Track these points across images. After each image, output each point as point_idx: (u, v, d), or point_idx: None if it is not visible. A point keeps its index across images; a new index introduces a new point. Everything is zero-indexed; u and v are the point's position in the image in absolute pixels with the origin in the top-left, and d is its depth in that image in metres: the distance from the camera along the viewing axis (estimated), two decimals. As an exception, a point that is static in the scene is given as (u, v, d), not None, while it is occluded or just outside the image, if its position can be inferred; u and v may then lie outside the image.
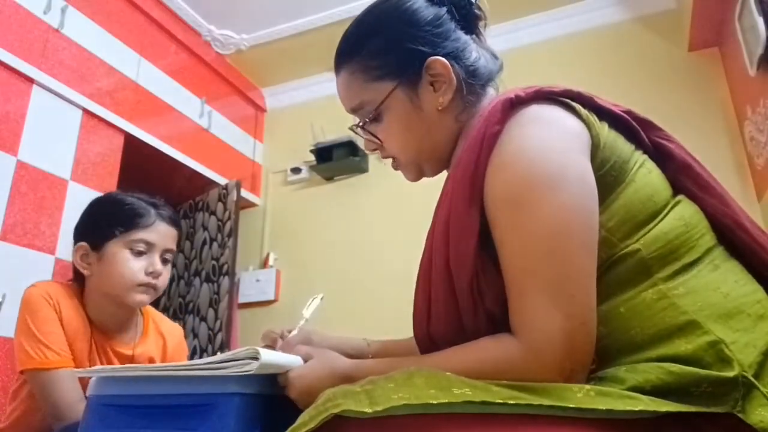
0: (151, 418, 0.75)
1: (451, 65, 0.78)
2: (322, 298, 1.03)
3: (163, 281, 1.23)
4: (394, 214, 2.77)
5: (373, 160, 2.97)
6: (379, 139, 0.84)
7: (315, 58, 3.00)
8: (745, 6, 1.89)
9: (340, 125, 2.98)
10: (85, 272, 1.20)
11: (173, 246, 1.25)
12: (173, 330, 1.38)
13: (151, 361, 1.28)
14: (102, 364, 1.20)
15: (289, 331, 0.93)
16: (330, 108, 3.11)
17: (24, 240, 1.87)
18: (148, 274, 1.19)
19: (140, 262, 1.19)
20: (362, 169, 2.95)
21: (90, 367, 1.15)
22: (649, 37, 2.56)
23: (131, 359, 1.24)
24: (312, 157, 2.99)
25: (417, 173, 0.87)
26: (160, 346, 1.32)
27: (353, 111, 0.85)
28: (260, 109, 3.36)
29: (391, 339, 1.01)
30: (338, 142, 2.89)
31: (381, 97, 0.80)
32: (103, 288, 1.19)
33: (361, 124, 0.84)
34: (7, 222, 1.83)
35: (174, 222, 1.25)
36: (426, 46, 0.78)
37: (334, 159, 2.91)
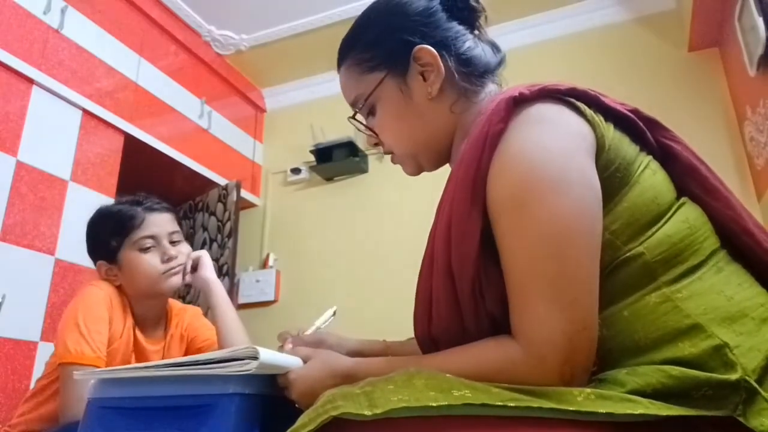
0: (150, 420, 0.75)
1: (441, 54, 0.78)
2: (335, 312, 1.05)
3: (182, 259, 1.30)
4: (394, 215, 2.77)
5: (373, 160, 2.97)
6: (375, 133, 0.84)
7: (315, 58, 3.00)
8: (745, 6, 1.89)
9: (340, 125, 2.98)
10: (116, 283, 1.28)
11: (174, 227, 1.32)
12: (189, 316, 1.43)
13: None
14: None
15: (304, 332, 0.94)
16: (330, 108, 3.12)
17: (24, 240, 1.87)
18: (164, 262, 1.27)
19: (153, 255, 1.26)
20: (362, 169, 2.95)
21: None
22: (649, 37, 2.56)
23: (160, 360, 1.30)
24: (312, 158, 2.99)
25: (415, 167, 0.86)
26: (183, 345, 1.39)
27: (352, 106, 0.86)
28: (260, 109, 3.36)
29: (410, 338, 1.00)
30: (338, 142, 2.89)
31: (371, 88, 0.81)
32: (136, 289, 1.27)
33: (356, 117, 0.85)
34: (7, 222, 1.83)
35: (162, 207, 1.32)
36: (415, 36, 0.78)
37: (334, 159, 2.91)
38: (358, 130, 0.87)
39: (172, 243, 1.30)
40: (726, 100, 2.36)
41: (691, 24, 2.29)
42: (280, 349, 0.89)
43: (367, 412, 0.51)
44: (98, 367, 1.12)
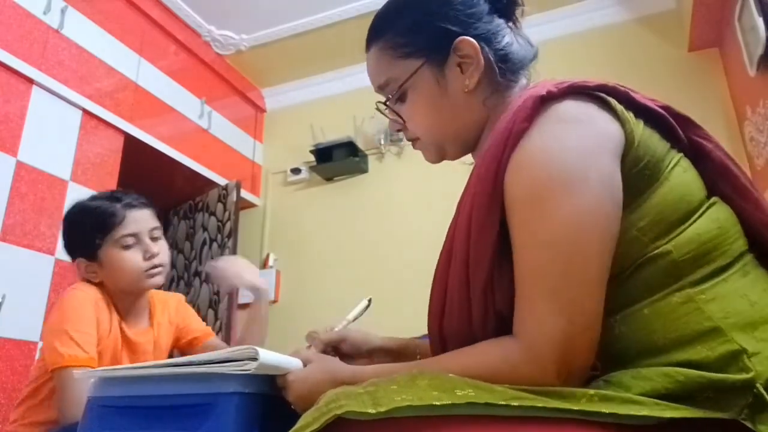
0: (150, 419, 0.74)
1: (481, 47, 0.76)
2: (369, 301, 1.02)
3: (163, 257, 1.29)
4: (394, 215, 2.77)
5: (373, 160, 2.97)
6: (402, 119, 0.82)
7: (315, 58, 3.00)
8: (745, 6, 1.89)
9: (340, 125, 2.99)
10: (96, 280, 1.26)
11: (155, 223, 1.31)
12: (174, 302, 1.44)
13: (168, 346, 1.37)
14: (128, 361, 1.25)
15: (333, 328, 0.92)
16: (330, 108, 3.12)
17: (24, 240, 1.87)
18: (147, 259, 1.26)
19: (135, 252, 1.25)
20: (362, 169, 2.94)
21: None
22: (649, 37, 2.56)
23: (152, 349, 1.32)
24: (312, 158, 2.98)
25: (438, 155, 0.84)
26: (172, 329, 1.40)
27: (380, 89, 0.83)
28: (260, 109, 3.36)
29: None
30: (338, 142, 2.89)
31: (407, 75, 0.78)
32: (119, 285, 1.26)
33: (385, 102, 0.83)
34: (7, 222, 1.83)
35: (141, 204, 1.31)
36: (457, 26, 0.76)
37: (334, 159, 2.90)
38: (382, 113, 0.85)
39: (153, 239, 1.29)
40: (726, 100, 2.35)
41: (691, 24, 2.29)
42: (308, 348, 0.86)
43: (371, 410, 0.50)
44: (92, 368, 1.11)
